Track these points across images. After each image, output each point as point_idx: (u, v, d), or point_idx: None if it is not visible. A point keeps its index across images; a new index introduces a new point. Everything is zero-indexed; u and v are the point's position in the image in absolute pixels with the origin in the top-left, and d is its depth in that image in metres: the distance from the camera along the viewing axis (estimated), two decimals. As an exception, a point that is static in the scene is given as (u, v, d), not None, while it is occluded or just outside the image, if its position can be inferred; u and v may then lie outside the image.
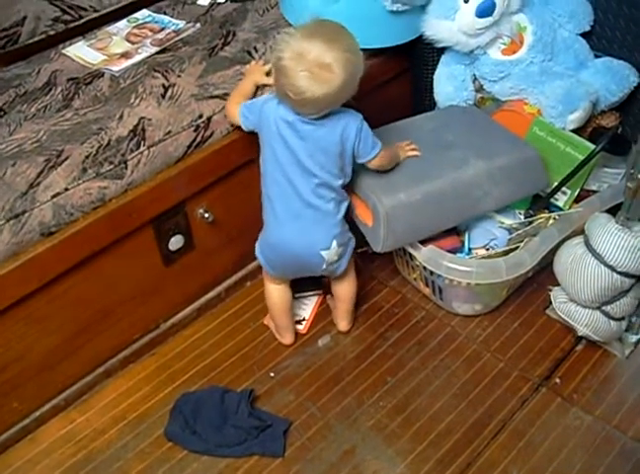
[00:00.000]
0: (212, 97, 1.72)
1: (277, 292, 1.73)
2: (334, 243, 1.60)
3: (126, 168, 1.58)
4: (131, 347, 1.78)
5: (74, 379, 1.71)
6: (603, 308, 1.67)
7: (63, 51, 1.91)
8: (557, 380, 1.70)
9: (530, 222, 1.82)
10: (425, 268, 1.76)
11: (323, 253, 1.61)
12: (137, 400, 1.70)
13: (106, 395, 1.72)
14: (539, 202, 1.85)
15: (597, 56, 1.94)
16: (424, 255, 1.73)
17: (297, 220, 1.58)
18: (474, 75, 1.98)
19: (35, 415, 1.66)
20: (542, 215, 1.84)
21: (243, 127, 1.62)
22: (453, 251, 1.77)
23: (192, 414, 1.63)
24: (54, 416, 1.68)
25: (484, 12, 1.80)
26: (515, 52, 1.91)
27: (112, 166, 1.56)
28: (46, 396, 1.67)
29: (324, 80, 1.42)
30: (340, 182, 1.58)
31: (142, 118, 1.65)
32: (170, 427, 1.63)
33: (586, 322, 1.70)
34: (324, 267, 1.64)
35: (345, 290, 1.76)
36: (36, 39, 1.91)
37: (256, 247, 1.69)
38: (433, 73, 2.01)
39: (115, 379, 1.75)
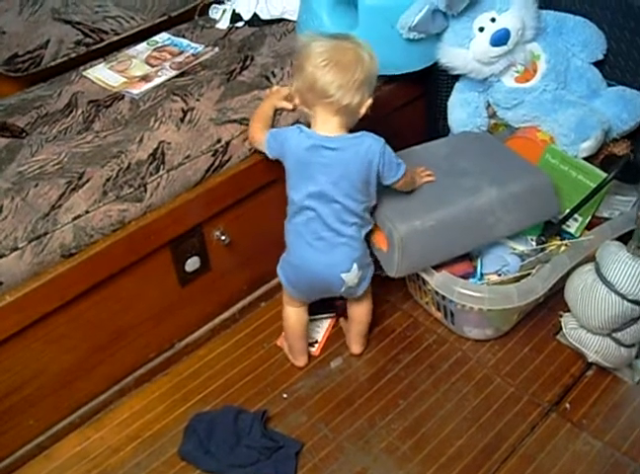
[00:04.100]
0: (231, 121, 1.74)
1: (295, 315, 1.74)
2: (354, 266, 1.62)
3: (146, 191, 1.60)
4: (146, 366, 1.80)
5: (89, 397, 1.72)
6: (614, 335, 1.68)
7: (84, 73, 1.94)
8: (567, 405, 1.70)
9: (542, 249, 1.84)
10: (437, 292, 1.78)
11: (343, 275, 1.62)
12: (151, 419, 1.72)
13: (120, 413, 1.73)
14: (551, 229, 1.86)
15: (609, 85, 1.94)
16: (437, 280, 1.74)
17: (319, 243, 1.59)
18: (488, 102, 2.00)
19: (50, 432, 1.67)
20: (554, 242, 1.85)
21: (269, 155, 1.63)
22: (466, 276, 1.78)
23: (205, 433, 1.63)
24: (69, 433, 1.70)
25: (499, 41, 1.82)
26: (528, 80, 1.92)
27: (132, 189, 1.59)
28: (62, 413, 1.69)
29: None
30: (362, 206, 1.60)
31: (162, 141, 1.67)
32: (184, 446, 1.64)
33: (596, 348, 1.70)
34: (343, 289, 1.65)
35: (361, 312, 1.77)
36: (58, 61, 1.93)
37: (278, 268, 1.70)
38: (447, 99, 2.03)
39: (129, 398, 1.76)
